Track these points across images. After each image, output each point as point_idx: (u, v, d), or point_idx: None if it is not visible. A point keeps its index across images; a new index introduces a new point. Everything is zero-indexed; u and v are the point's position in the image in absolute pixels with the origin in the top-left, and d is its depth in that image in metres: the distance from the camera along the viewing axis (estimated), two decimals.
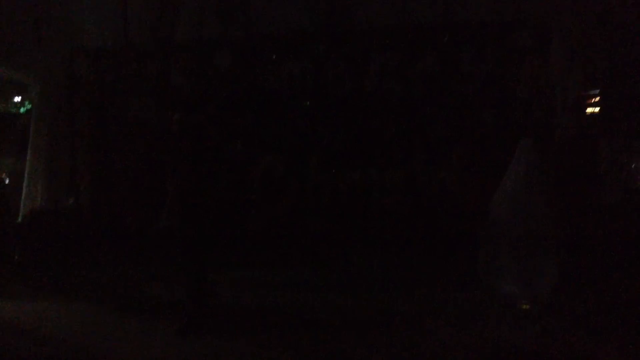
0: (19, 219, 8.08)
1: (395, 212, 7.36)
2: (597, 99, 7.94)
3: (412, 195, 7.34)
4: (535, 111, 6.99)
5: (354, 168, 7.52)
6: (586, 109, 7.53)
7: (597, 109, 8.38)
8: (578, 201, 5.59)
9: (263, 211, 7.77)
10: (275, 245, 7.57)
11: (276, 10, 8.03)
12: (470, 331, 4.68)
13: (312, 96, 7.74)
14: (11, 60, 8.67)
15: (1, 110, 11.26)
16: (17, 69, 8.79)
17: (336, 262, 7.14)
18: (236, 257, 7.39)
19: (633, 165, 7.50)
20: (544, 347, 4.32)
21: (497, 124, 7.06)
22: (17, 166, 9.18)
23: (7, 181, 7.92)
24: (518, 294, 5.33)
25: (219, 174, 6.83)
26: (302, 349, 4.50)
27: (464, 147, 6.68)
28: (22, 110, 11.23)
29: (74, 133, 8.42)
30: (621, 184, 7.35)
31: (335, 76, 7.62)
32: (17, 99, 11.92)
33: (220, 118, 7.86)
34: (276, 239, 7.66)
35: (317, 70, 7.67)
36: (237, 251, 7.51)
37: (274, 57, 7.81)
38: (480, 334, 4.62)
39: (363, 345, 4.51)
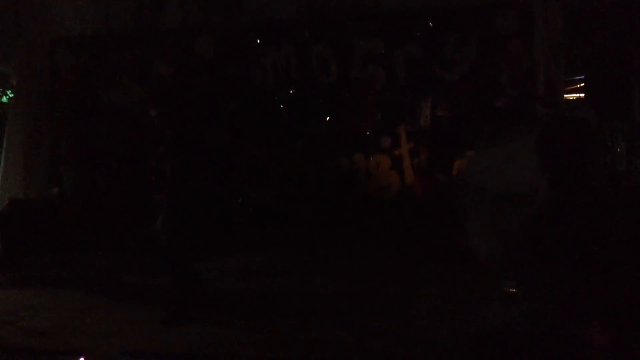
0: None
1: (381, 200, 7.37)
2: (582, 84, 7.98)
3: (397, 181, 7.34)
4: (519, 96, 6.98)
5: (339, 155, 7.49)
6: (570, 94, 7.55)
7: (581, 95, 8.42)
8: (564, 186, 5.60)
9: (248, 199, 7.74)
10: (261, 232, 7.57)
11: None
12: (455, 314, 4.70)
13: (297, 84, 7.67)
14: None
15: None
16: None
17: (322, 248, 7.14)
18: (222, 244, 7.38)
19: (618, 149, 7.55)
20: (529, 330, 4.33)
21: (480, 109, 7.05)
22: None
23: None
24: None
25: (202, 163, 6.80)
26: (289, 335, 4.50)
27: (447, 133, 6.67)
28: (4, 99, 11.09)
29: (55, 122, 8.30)
30: (606, 168, 7.40)
31: (319, 63, 7.56)
32: None
33: (204, 107, 7.82)
34: (262, 227, 7.66)
35: (301, 57, 7.60)
36: (223, 238, 7.50)
37: (257, 44, 7.72)
38: (466, 317, 4.64)
39: (351, 331, 4.52)
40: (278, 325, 4.73)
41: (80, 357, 3.91)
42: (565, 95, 7.60)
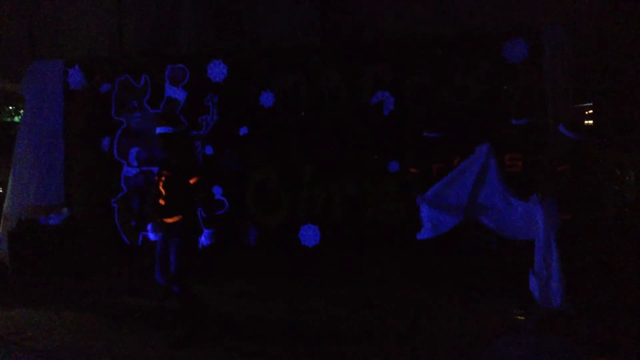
0: (9, 229, 8.03)
1: (389, 223, 7.36)
2: (591, 111, 8.00)
3: (405, 206, 7.33)
4: (528, 124, 6.99)
5: (347, 179, 7.52)
6: (580, 121, 7.56)
7: (590, 122, 8.44)
8: (574, 214, 5.59)
9: (257, 222, 7.76)
10: (269, 256, 7.57)
11: (270, 23, 8.05)
12: (464, 344, 4.66)
13: (306, 108, 7.74)
14: (5, 71, 8.69)
15: None
16: (9, 79, 8.79)
17: (330, 273, 7.12)
18: (231, 268, 7.39)
19: (627, 178, 7.55)
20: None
21: (489, 136, 7.06)
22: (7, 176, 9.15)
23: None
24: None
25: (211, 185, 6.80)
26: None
27: (456, 159, 6.66)
28: (16, 119, 11.22)
29: (67, 143, 8.40)
30: (617, 196, 7.39)
31: (329, 88, 7.64)
32: (11, 107, 11.94)
33: (216, 131, 7.91)
34: (269, 251, 7.66)
35: (311, 82, 7.68)
36: (232, 263, 7.51)
37: (268, 69, 7.82)
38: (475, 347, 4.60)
39: (359, 356, 4.49)
40: (284, 349, 4.71)
41: None
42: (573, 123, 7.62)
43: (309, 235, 7.65)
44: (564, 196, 5.44)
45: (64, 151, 8.41)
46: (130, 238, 8.06)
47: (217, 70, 7.95)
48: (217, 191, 7.91)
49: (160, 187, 5.04)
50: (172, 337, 4.90)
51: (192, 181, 4.95)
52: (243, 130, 7.87)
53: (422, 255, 6.94)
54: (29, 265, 7.67)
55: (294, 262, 7.42)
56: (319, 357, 4.54)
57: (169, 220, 4.98)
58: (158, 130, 5.04)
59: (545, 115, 6.89)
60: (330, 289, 6.68)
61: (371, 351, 4.62)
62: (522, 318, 5.31)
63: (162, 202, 5.01)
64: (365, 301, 6.16)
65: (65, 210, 8.12)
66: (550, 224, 5.35)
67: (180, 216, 4.96)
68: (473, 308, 5.65)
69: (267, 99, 7.81)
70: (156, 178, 5.18)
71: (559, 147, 5.87)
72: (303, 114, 7.77)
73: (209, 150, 7.95)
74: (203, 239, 5.00)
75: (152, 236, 5.05)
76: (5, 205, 8.34)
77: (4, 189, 8.52)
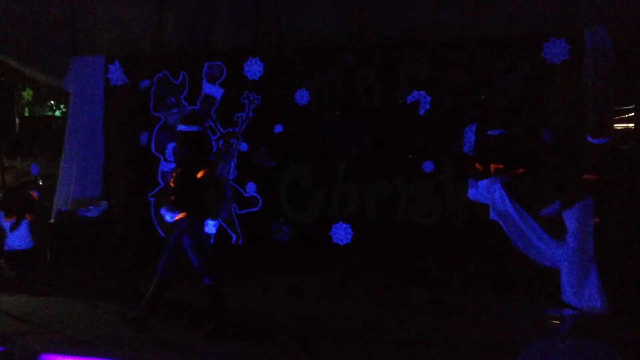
0: (52, 220, 8.27)
1: (423, 224, 7.33)
2: (632, 114, 7.84)
3: (439, 207, 7.31)
4: (567, 126, 6.91)
5: (381, 179, 7.51)
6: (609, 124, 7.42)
7: (630, 125, 8.26)
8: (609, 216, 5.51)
9: (290, 219, 7.82)
10: (301, 253, 7.62)
11: (307, 21, 8.08)
12: (499, 346, 4.62)
13: (341, 106, 7.76)
14: (48, 66, 8.92)
15: (37, 113, 11.58)
16: (53, 74, 9.03)
17: (362, 273, 7.13)
18: (263, 265, 7.46)
19: None
20: None
21: (528, 138, 6.99)
22: (50, 168, 9.42)
23: (40, 182, 8.12)
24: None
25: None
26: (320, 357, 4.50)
27: (492, 161, 6.60)
28: (57, 113, 11.52)
29: (106, 138, 8.60)
30: None
31: (364, 87, 7.64)
32: (52, 102, 12.25)
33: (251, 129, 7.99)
34: (301, 248, 7.71)
35: (346, 80, 7.70)
36: (264, 260, 7.58)
37: (304, 67, 7.85)
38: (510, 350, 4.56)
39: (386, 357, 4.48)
40: (312, 346, 4.73)
41: None
42: (614, 125, 7.49)
43: (341, 233, 7.68)
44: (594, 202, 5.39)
45: (103, 146, 8.62)
46: (165, 231, 8.20)
47: (253, 68, 8.04)
48: (251, 188, 8.00)
49: (171, 183, 5.12)
50: (207, 329, 4.97)
51: (199, 174, 4.97)
52: (278, 128, 7.94)
53: (455, 257, 6.92)
54: (68, 256, 7.88)
55: (325, 260, 7.45)
56: (348, 357, 4.54)
57: (176, 218, 5.06)
58: (180, 127, 5.11)
59: (585, 117, 6.77)
60: (360, 287, 6.67)
61: (400, 352, 4.60)
62: (558, 322, 5.24)
63: (172, 197, 5.10)
64: (397, 302, 6.13)
65: (103, 203, 8.32)
66: (585, 227, 5.32)
67: (186, 213, 5.00)
68: (507, 311, 5.58)
69: (302, 97, 7.85)
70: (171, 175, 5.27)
71: (588, 155, 5.80)
72: (338, 112, 7.79)
73: (243, 147, 8.04)
74: (207, 230, 5.01)
75: (168, 218, 5.12)
76: (55, 197, 8.58)
77: (50, 182, 8.74)
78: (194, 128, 5.09)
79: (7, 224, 7.02)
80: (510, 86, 7.10)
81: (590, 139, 5.60)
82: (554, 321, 5.26)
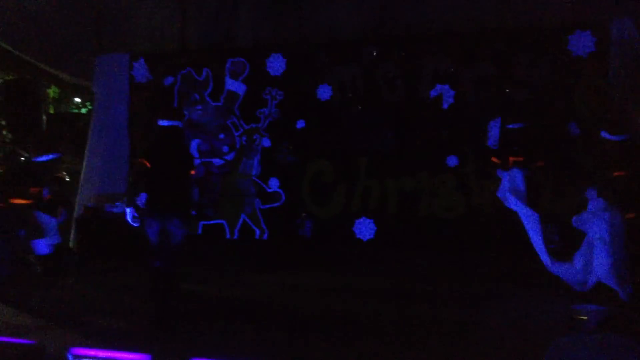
0: (75, 214, 8.40)
1: (446, 218, 7.30)
2: None
3: (462, 201, 7.26)
4: (591, 119, 6.82)
5: (404, 173, 7.48)
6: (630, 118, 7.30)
7: None
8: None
9: (313, 214, 7.84)
10: (323, 248, 7.63)
11: (329, 16, 8.08)
12: (525, 341, 4.59)
13: (363, 101, 7.75)
14: (73, 65, 9.05)
15: (62, 110, 11.74)
16: (76, 72, 9.16)
17: (385, 267, 7.12)
18: (286, 260, 7.49)
19: None
20: None
21: (552, 131, 6.91)
22: (75, 164, 9.56)
23: (67, 178, 8.25)
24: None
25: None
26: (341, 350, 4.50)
27: (517, 154, 6.54)
28: (83, 110, 11.68)
29: (132, 135, 8.70)
30: None
31: (387, 81, 7.62)
32: (78, 99, 12.40)
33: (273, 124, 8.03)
34: (325, 243, 7.72)
35: (369, 75, 7.68)
36: (287, 254, 7.61)
37: (326, 62, 7.86)
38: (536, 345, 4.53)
39: (413, 353, 4.48)
40: (335, 341, 4.73)
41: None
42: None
43: (364, 228, 7.67)
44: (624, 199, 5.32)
45: (129, 142, 8.72)
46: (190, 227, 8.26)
47: (276, 64, 8.07)
48: (274, 183, 8.03)
49: (161, 178, 5.25)
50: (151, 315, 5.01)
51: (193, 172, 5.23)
52: (300, 124, 7.97)
53: (481, 251, 6.87)
54: (95, 251, 8.00)
55: (348, 255, 7.45)
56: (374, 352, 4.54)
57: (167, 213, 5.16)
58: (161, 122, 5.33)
59: (611, 111, 6.68)
60: (384, 283, 6.66)
61: (428, 345, 4.59)
62: (584, 318, 5.18)
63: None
64: (421, 296, 6.11)
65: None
66: (617, 224, 5.27)
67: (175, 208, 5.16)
68: (533, 307, 5.54)
69: (324, 92, 7.86)
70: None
71: (609, 152, 5.70)
72: (360, 107, 7.79)
73: (266, 142, 8.08)
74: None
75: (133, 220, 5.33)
76: (79, 193, 8.72)
77: (75, 179, 8.88)
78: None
79: (54, 220, 7.11)
80: (536, 79, 7.02)
81: (606, 135, 5.51)
82: (581, 317, 5.20)
